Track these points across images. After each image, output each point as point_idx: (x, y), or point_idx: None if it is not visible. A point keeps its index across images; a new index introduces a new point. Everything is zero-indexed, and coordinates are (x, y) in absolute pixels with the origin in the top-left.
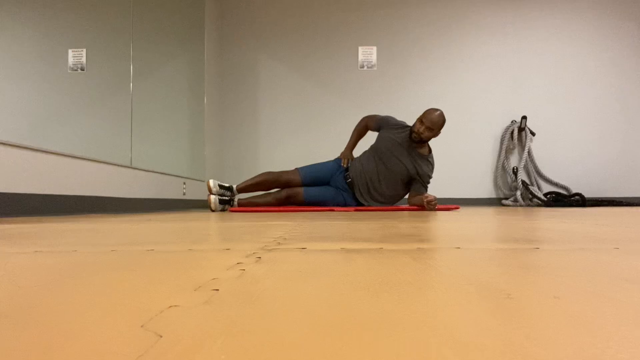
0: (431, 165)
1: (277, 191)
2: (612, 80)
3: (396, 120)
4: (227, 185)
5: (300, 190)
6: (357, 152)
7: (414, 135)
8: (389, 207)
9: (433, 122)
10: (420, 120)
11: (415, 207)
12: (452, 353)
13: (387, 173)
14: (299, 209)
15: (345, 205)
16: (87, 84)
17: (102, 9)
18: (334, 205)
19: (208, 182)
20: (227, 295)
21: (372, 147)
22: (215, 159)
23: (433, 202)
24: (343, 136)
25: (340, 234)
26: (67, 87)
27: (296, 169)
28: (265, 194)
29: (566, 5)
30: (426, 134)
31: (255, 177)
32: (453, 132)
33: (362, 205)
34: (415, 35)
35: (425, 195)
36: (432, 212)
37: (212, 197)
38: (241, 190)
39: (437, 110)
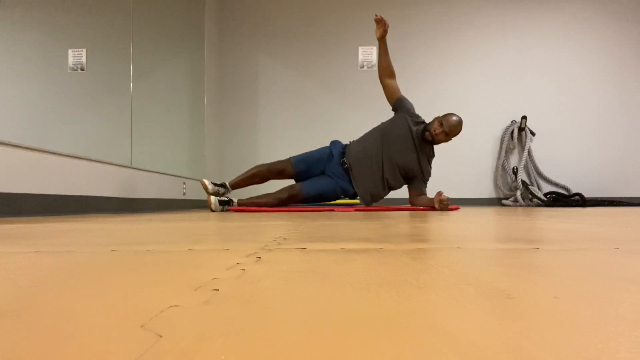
0: (430, 166)
1: (278, 191)
2: (612, 80)
3: (414, 110)
4: (219, 182)
5: (299, 187)
6: (356, 134)
7: (427, 134)
8: (389, 207)
9: (452, 129)
10: (440, 122)
11: (419, 207)
12: (452, 353)
13: (390, 162)
14: (299, 209)
15: (342, 193)
16: (87, 84)
17: (102, 9)
18: (334, 198)
19: (203, 182)
20: (227, 295)
21: (381, 130)
22: (215, 159)
23: (446, 202)
24: (343, 136)
25: (340, 234)
26: (67, 87)
27: (289, 158)
28: (266, 194)
29: (566, 5)
30: (441, 137)
31: (247, 171)
32: None
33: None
34: (415, 36)
35: (438, 192)
36: (432, 212)
37: (212, 197)
38: (234, 185)
39: (458, 116)
